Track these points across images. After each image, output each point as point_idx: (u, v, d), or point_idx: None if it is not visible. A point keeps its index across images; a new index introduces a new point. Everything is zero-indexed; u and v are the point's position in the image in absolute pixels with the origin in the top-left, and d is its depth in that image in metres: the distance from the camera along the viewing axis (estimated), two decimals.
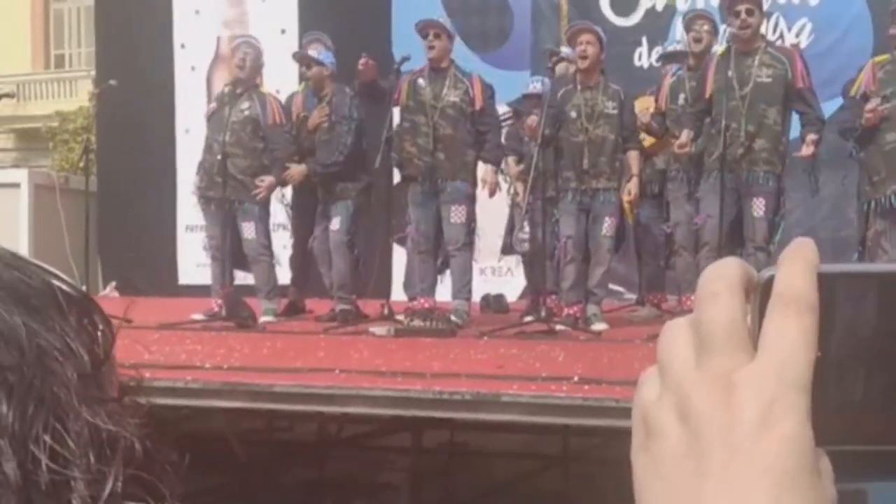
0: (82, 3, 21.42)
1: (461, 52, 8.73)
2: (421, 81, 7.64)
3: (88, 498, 0.61)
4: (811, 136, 6.81)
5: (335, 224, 7.94)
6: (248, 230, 8.07)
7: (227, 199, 7.96)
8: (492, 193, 7.88)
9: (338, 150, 7.87)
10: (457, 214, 7.59)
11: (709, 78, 6.94)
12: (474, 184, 7.79)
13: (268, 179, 7.92)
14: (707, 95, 6.95)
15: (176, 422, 5.89)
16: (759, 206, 6.82)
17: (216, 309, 7.96)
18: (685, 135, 7.03)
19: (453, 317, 7.46)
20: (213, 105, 8.25)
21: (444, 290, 7.89)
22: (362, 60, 7.52)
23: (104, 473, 0.62)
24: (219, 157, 7.89)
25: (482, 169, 7.87)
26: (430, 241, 7.67)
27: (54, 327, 0.63)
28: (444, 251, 7.80)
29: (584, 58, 7.39)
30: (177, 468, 0.68)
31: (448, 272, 7.80)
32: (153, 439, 0.66)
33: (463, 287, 7.66)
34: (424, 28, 7.68)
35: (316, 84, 8.16)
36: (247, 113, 8.00)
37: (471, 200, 7.71)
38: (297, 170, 8.05)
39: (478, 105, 7.63)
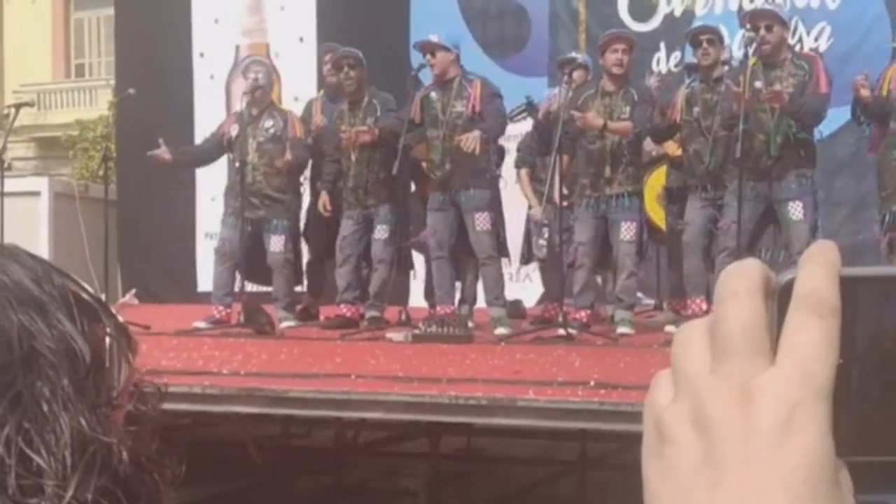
0: (103, 13, 21.55)
1: (480, 59, 8.73)
2: (433, 95, 7.64)
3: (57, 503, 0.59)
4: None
5: (382, 232, 7.85)
6: (277, 244, 8.15)
7: (264, 217, 8.12)
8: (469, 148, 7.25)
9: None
10: (481, 222, 7.47)
11: (739, 91, 6.69)
12: (494, 191, 7.71)
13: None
14: (738, 107, 6.68)
15: (192, 427, 5.91)
16: (796, 210, 6.73)
17: (217, 315, 7.99)
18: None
19: (499, 326, 7.38)
20: (236, 126, 8.26)
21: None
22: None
23: (79, 480, 0.60)
24: (256, 179, 8.08)
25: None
26: (446, 249, 7.64)
27: (58, 328, 0.63)
28: (466, 260, 7.79)
29: (619, 65, 7.40)
30: (174, 479, 0.67)
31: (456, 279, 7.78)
32: (150, 448, 0.65)
33: (499, 296, 7.57)
34: (421, 49, 7.69)
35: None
36: (272, 131, 8.15)
37: (493, 207, 7.60)
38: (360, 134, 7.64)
39: (477, 108, 7.50)
